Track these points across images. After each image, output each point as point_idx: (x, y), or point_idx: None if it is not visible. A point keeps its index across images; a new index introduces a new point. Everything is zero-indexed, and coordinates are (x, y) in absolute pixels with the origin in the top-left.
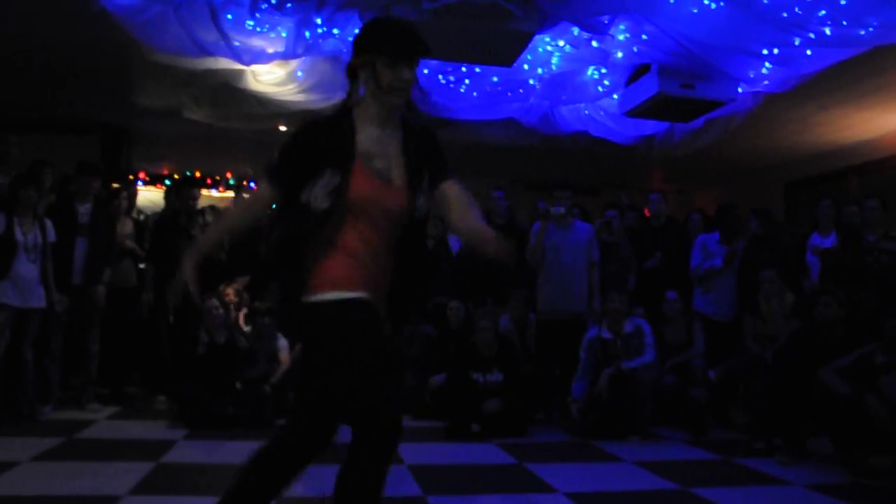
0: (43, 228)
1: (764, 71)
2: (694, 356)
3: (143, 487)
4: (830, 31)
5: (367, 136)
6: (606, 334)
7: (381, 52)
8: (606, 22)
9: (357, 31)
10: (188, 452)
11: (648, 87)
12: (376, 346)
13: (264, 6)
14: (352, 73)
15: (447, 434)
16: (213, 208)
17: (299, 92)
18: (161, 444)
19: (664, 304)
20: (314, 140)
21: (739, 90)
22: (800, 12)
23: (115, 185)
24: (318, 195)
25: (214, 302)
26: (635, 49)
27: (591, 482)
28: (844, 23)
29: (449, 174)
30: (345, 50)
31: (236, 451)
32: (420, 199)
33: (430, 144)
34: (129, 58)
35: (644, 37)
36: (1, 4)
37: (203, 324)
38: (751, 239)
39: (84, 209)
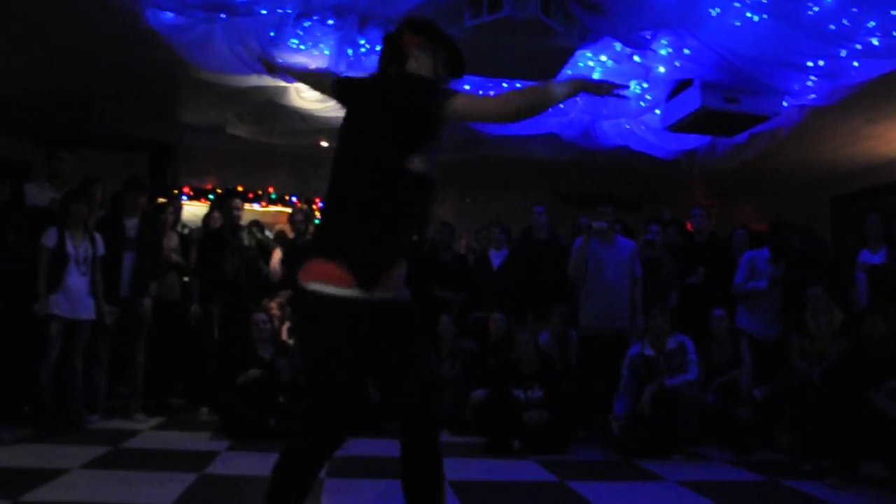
0: (93, 242)
1: (809, 84)
2: (741, 374)
3: (186, 498)
4: (879, 41)
5: None
6: (649, 351)
7: (446, 48)
8: (648, 37)
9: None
10: (231, 464)
11: (691, 101)
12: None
13: (307, 23)
14: (396, 45)
15: (487, 450)
16: (256, 223)
17: (342, 108)
18: (204, 455)
19: (711, 321)
20: None
21: (784, 104)
22: (847, 24)
23: (162, 200)
24: (416, 159)
25: (262, 316)
26: (677, 64)
27: (632, 501)
28: (894, 33)
29: None
30: None
31: None
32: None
33: None
34: (175, 76)
35: (686, 51)
36: (52, 26)
37: (251, 339)
38: (795, 256)
39: (131, 223)
